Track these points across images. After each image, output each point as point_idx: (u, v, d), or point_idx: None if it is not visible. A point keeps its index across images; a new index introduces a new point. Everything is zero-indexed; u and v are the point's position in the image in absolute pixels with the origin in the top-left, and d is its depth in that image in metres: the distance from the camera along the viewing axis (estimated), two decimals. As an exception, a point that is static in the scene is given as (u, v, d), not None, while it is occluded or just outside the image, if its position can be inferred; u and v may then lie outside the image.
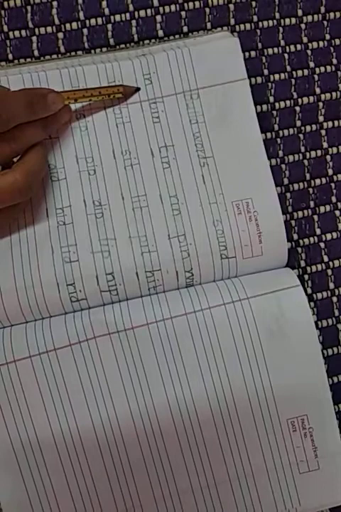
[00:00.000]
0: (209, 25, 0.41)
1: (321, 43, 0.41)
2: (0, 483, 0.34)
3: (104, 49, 0.40)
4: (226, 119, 0.38)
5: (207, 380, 0.35)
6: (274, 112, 0.40)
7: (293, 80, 0.41)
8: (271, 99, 0.41)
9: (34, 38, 0.40)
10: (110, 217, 0.36)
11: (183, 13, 0.41)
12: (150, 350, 0.35)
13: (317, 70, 0.41)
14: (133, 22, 0.40)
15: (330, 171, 0.41)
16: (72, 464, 0.34)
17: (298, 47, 0.41)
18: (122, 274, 0.36)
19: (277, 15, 0.41)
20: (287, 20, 0.41)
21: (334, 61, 0.41)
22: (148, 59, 0.38)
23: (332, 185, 0.41)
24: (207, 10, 0.41)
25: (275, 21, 0.41)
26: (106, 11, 0.40)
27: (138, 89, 0.37)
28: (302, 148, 0.41)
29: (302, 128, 0.41)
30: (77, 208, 0.36)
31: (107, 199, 0.37)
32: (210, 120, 0.38)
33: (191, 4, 0.41)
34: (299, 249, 0.40)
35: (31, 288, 0.35)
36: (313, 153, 0.41)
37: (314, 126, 0.41)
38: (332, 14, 0.42)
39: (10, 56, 0.39)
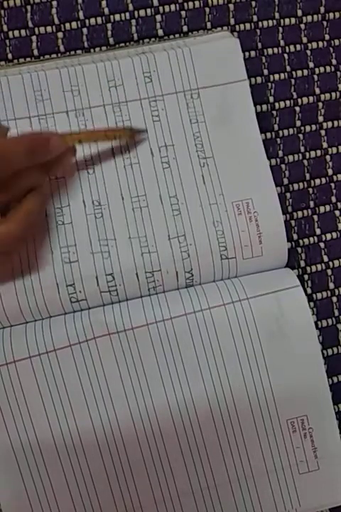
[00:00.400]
0: (209, 25, 0.41)
1: (321, 43, 0.41)
2: (0, 484, 0.34)
3: (104, 48, 0.40)
4: (226, 120, 0.38)
5: (206, 380, 0.35)
6: (274, 112, 0.40)
7: (293, 80, 0.41)
8: (271, 99, 0.41)
9: (34, 38, 0.39)
10: (110, 218, 0.36)
11: (183, 13, 0.40)
12: (150, 350, 0.35)
13: (316, 70, 0.41)
14: (133, 21, 0.40)
15: (330, 171, 0.41)
16: (71, 464, 0.34)
17: (298, 47, 0.41)
18: (122, 274, 0.36)
19: (277, 15, 0.41)
20: (287, 21, 0.41)
21: (334, 61, 0.41)
22: (148, 57, 0.38)
23: (332, 185, 0.41)
24: (207, 10, 0.41)
25: (275, 21, 0.41)
26: (106, 11, 0.40)
27: (145, 130, 0.37)
28: (302, 148, 0.41)
29: (302, 128, 0.41)
30: (76, 207, 0.36)
31: (107, 199, 0.36)
32: (210, 120, 0.38)
33: (191, 4, 0.41)
34: (299, 249, 0.40)
35: (31, 289, 0.35)
36: (313, 153, 0.41)
37: (314, 126, 0.41)
38: (331, 14, 0.41)
39: (9, 56, 0.39)
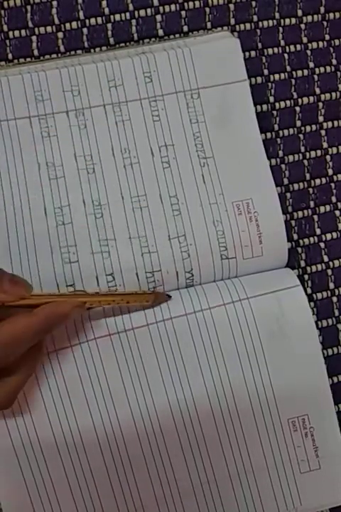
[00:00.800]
0: (209, 25, 0.41)
1: (321, 44, 0.41)
2: (0, 483, 0.34)
3: (104, 48, 0.40)
4: (227, 120, 0.38)
5: (207, 380, 0.35)
6: (274, 112, 0.40)
7: (293, 80, 0.41)
8: (271, 99, 0.41)
9: (34, 38, 0.39)
10: (110, 218, 0.36)
11: (183, 13, 0.40)
12: (151, 350, 0.35)
13: (316, 70, 0.41)
14: (133, 21, 0.40)
15: (330, 171, 0.41)
16: (72, 463, 0.34)
17: (298, 47, 0.41)
18: (122, 274, 0.36)
19: (277, 15, 0.41)
20: (287, 21, 0.41)
21: (334, 61, 0.41)
22: (149, 57, 0.38)
23: (332, 185, 0.41)
24: (207, 9, 0.41)
25: (275, 21, 0.41)
26: (106, 11, 0.40)
27: (169, 297, 0.35)
28: (302, 148, 0.41)
29: (302, 128, 0.41)
30: (76, 207, 0.36)
31: (107, 199, 0.36)
32: (210, 120, 0.38)
33: (191, 4, 0.40)
34: (299, 249, 0.40)
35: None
36: (313, 153, 0.41)
37: (314, 127, 0.41)
38: (331, 14, 0.41)
39: (10, 56, 0.39)
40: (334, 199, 0.41)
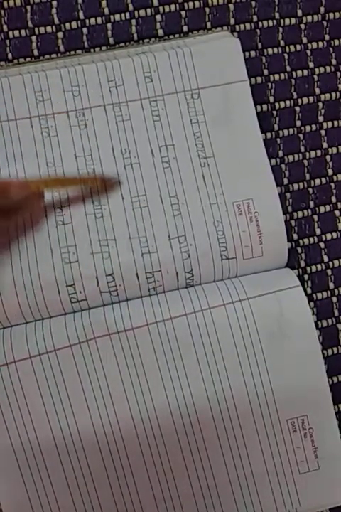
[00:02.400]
0: (209, 25, 0.41)
1: (321, 44, 0.41)
2: (0, 484, 0.34)
3: (104, 48, 0.40)
4: (227, 120, 0.38)
5: (207, 380, 0.35)
6: (274, 112, 0.40)
7: (293, 80, 0.41)
8: (271, 99, 0.41)
9: (34, 38, 0.39)
10: (110, 218, 0.36)
11: (183, 13, 0.40)
12: (150, 351, 0.35)
13: (316, 70, 0.41)
14: (133, 21, 0.40)
15: (330, 171, 0.41)
16: (72, 464, 0.34)
17: (298, 47, 0.41)
18: (122, 275, 0.36)
19: (277, 15, 0.41)
20: (287, 21, 0.41)
21: (334, 61, 0.41)
22: (149, 57, 0.38)
23: (332, 185, 0.41)
24: (207, 10, 0.41)
25: (275, 21, 0.41)
26: (106, 11, 0.40)
27: (117, 180, 0.36)
28: (302, 148, 0.41)
29: (302, 128, 0.41)
30: (75, 207, 0.36)
31: (106, 199, 0.37)
32: (211, 120, 0.38)
33: (191, 4, 0.40)
34: (299, 249, 0.40)
35: (31, 289, 0.35)
36: (313, 154, 0.41)
37: (314, 127, 0.41)
38: (331, 14, 0.41)
39: (9, 56, 0.39)
40: (334, 199, 0.40)
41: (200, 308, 0.35)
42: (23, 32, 0.39)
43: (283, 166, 0.40)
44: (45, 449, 0.34)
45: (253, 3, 0.41)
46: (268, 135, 0.40)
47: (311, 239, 0.40)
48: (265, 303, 0.36)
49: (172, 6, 0.40)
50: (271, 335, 0.35)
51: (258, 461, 0.35)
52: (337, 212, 0.40)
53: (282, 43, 0.41)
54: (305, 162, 0.41)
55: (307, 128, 0.41)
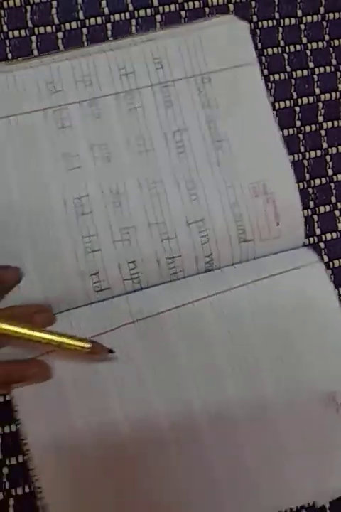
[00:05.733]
0: (209, 24, 0.40)
1: (321, 44, 0.42)
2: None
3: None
4: (239, 103, 0.39)
5: (232, 358, 0.35)
6: (274, 112, 0.41)
7: (293, 80, 0.41)
8: (271, 99, 0.41)
9: (34, 38, 0.40)
10: (128, 206, 0.37)
11: (183, 13, 0.41)
12: (175, 334, 0.36)
13: (316, 70, 0.42)
14: (133, 21, 0.40)
15: (330, 171, 0.41)
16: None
17: (298, 47, 0.42)
18: (143, 261, 0.36)
19: (277, 15, 0.41)
20: (287, 21, 0.42)
21: (334, 61, 0.42)
22: (158, 44, 0.39)
23: (332, 185, 0.41)
24: (207, 10, 0.41)
25: (275, 21, 0.41)
26: (106, 11, 0.40)
27: (111, 351, 0.34)
28: (302, 149, 0.41)
29: (302, 128, 0.41)
30: (94, 197, 0.37)
31: (124, 187, 0.37)
32: (222, 103, 0.38)
33: (191, 4, 0.41)
34: (300, 249, 0.40)
35: (56, 278, 0.36)
36: (313, 154, 0.41)
37: (314, 127, 0.41)
38: (331, 14, 0.42)
39: (9, 56, 0.40)
40: (334, 199, 0.41)
41: (222, 290, 0.36)
42: (23, 32, 0.40)
43: (283, 165, 0.40)
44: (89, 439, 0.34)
45: (253, 3, 0.41)
46: (269, 135, 0.40)
47: (311, 239, 0.40)
48: (286, 280, 0.36)
49: (172, 6, 0.41)
50: (294, 310, 0.36)
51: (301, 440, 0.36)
52: (337, 212, 0.41)
53: (282, 43, 0.41)
54: (305, 162, 0.41)
55: (307, 128, 0.41)
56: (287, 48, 0.41)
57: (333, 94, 0.41)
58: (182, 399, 0.35)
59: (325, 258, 0.40)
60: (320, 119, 0.41)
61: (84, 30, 0.40)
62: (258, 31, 0.41)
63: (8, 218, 0.36)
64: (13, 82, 0.37)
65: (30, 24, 0.40)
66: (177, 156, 0.38)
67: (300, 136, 0.41)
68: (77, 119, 0.37)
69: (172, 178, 0.37)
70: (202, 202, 0.37)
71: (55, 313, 0.36)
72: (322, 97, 0.41)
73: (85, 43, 0.40)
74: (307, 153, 0.41)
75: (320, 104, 0.41)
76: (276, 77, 0.41)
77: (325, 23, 0.42)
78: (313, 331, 0.36)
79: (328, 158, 0.41)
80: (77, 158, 0.37)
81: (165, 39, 0.39)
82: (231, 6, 0.41)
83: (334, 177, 0.41)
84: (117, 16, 0.40)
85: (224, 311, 0.36)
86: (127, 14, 0.40)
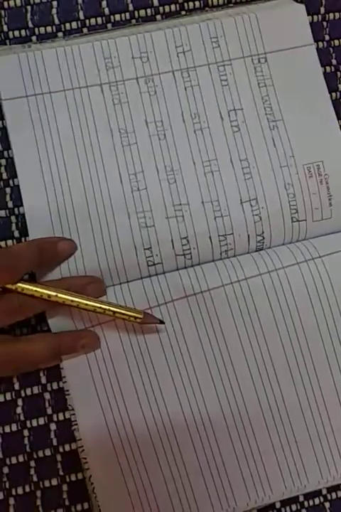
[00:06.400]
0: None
1: (321, 44, 0.42)
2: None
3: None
4: (295, 83, 0.39)
5: (283, 336, 0.36)
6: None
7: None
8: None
9: (34, 38, 0.40)
10: (182, 183, 0.37)
11: (183, 13, 0.41)
12: (227, 310, 0.36)
13: None
14: (133, 21, 0.41)
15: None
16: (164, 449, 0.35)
17: (297, 47, 0.42)
18: (196, 238, 0.37)
19: (276, 15, 0.41)
20: (286, 21, 0.42)
21: (334, 61, 0.42)
22: (215, 23, 0.39)
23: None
24: (207, 10, 0.41)
25: (274, 21, 0.41)
26: (106, 11, 0.40)
27: (162, 322, 0.35)
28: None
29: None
30: (149, 173, 0.37)
31: (179, 164, 0.38)
32: (278, 84, 0.39)
33: (191, 4, 0.41)
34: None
35: (111, 252, 0.36)
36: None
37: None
38: (331, 15, 0.42)
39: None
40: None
41: (274, 268, 0.37)
42: (23, 32, 0.40)
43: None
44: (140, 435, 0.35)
45: (253, 3, 0.41)
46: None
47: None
48: (338, 260, 0.37)
49: (173, 6, 0.41)
50: None
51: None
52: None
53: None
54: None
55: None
56: (287, 47, 0.42)
57: (333, 94, 0.42)
58: (233, 375, 0.36)
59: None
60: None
61: (85, 30, 0.40)
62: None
63: (64, 192, 0.37)
64: (71, 56, 0.38)
65: (30, 24, 0.40)
66: (233, 135, 0.38)
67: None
68: (133, 95, 0.38)
69: (227, 157, 0.38)
70: (256, 181, 0.38)
71: (108, 286, 0.37)
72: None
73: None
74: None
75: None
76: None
77: (325, 23, 0.42)
78: None
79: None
80: (132, 135, 0.38)
81: (222, 18, 0.39)
82: (231, 6, 0.41)
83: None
84: (117, 16, 0.40)
85: (275, 290, 0.36)
86: (127, 14, 0.41)
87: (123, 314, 0.34)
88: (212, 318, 0.36)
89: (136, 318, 0.34)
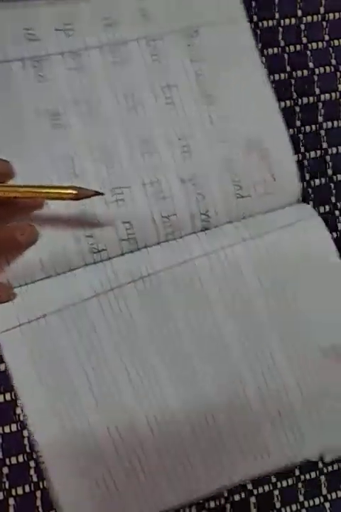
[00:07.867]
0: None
1: (321, 44, 0.42)
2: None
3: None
4: (229, 58, 0.38)
5: (235, 316, 0.36)
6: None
7: (293, 80, 0.41)
8: (271, 98, 0.41)
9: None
10: (120, 165, 0.37)
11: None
12: (175, 293, 0.36)
13: (316, 70, 0.42)
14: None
15: (330, 171, 0.41)
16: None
17: (298, 47, 0.42)
18: (139, 221, 0.36)
19: (277, 15, 0.41)
20: (287, 21, 0.42)
21: (334, 61, 0.42)
22: None
23: (332, 185, 0.41)
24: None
25: (275, 21, 0.41)
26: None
27: (98, 193, 0.34)
28: (302, 148, 0.41)
29: (302, 128, 0.41)
30: (83, 157, 0.36)
31: (114, 146, 0.37)
32: (213, 59, 0.38)
33: (189, 3, 0.41)
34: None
35: (50, 243, 0.35)
36: (313, 154, 0.41)
37: (314, 127, 0.41)
38: (331, 15, 0.42)
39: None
40: (333, 199, 0.41)
41: (221, 246, 0.36)
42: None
43: (283, 165, 0.40)
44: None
45: (254, 3, 0.42)
46: (269, 134, 0.40)
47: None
48: (285, 235, 0.37)
49: (172, 6, 0.40)
50: (295, 264, 0.36)
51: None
52: (337, 212, 0.41)
53: (282, 43, 0.42)
54: (305, 162, 0.41)
55: (307, 128, 0.41)
56: (287, 48, 0.42)
57: (333, 94, 0.42)
58: (182, 355, 0.35)
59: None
60: (320, 119, 0.42)
61: None
62: (258, 31, 0.42)
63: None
64: None
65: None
66: (168, 113, 0.37)
67: (300, 136, 0.41)
68: (59, 71, 0.36)
69: (163, 135, 0.37)
70: (196, 159, 0.37)
71: (52, 276, 0.36)
72: (322, 97, 0.42)
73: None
74: (307, 153, 0.41)
75: (320, 104, 0.42)
76: (276, 77, 0.41)
77: (324, 23, 0.42)
78: (314, 284, 0.36)
79: (328, 158, 0.41)
80: (58, 115, 0.36)
81: None
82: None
83: (334, 177, 0.41)
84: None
85: (223, 269, 0.36)
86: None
87: (58, 193, 0.33)
88: (161, 301, 0.35)
89: (70, 194, 0.33)
